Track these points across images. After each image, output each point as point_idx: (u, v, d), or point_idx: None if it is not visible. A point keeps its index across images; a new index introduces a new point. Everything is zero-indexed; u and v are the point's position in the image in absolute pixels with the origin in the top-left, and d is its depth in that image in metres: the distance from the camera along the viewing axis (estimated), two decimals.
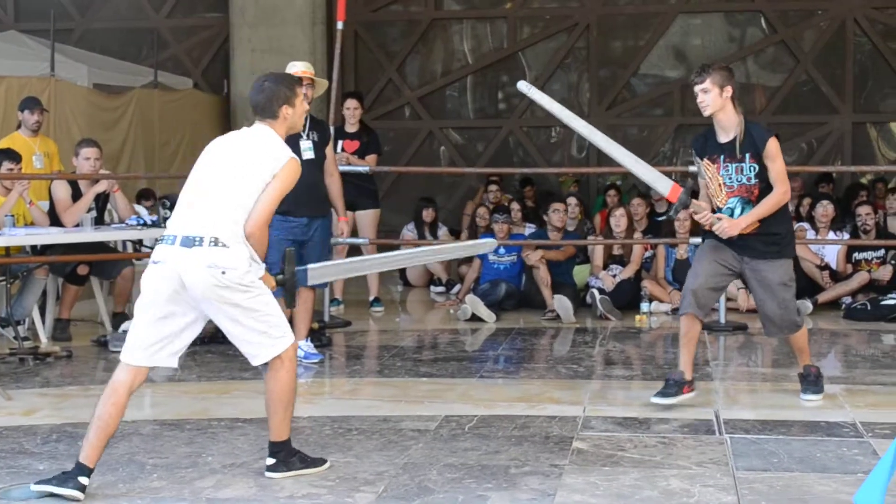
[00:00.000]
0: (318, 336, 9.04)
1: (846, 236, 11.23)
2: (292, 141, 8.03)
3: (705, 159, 6.77)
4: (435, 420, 6.68)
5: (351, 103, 11.05)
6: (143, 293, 5.26)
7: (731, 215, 6.67)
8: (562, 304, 10.15)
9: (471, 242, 6.72)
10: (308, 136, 8.30)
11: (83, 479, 5.11)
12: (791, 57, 15.90)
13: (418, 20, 16.44)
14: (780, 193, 6.65)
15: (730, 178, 6.66)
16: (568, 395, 7.38)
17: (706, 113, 6.69)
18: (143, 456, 5.90)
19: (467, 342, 9.73)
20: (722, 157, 6.69)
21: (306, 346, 8.46)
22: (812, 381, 7.08)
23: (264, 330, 5.27)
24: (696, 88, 6.69)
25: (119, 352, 8.82)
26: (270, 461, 5.47)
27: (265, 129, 5.40)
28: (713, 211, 6.73)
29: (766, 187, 6.65)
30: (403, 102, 16.50)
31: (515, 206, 12.51)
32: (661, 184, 6.68)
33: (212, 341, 9.29)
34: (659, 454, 5.81)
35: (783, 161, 6.73)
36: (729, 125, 6.71)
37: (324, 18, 15.56)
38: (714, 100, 6.62)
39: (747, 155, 6.63)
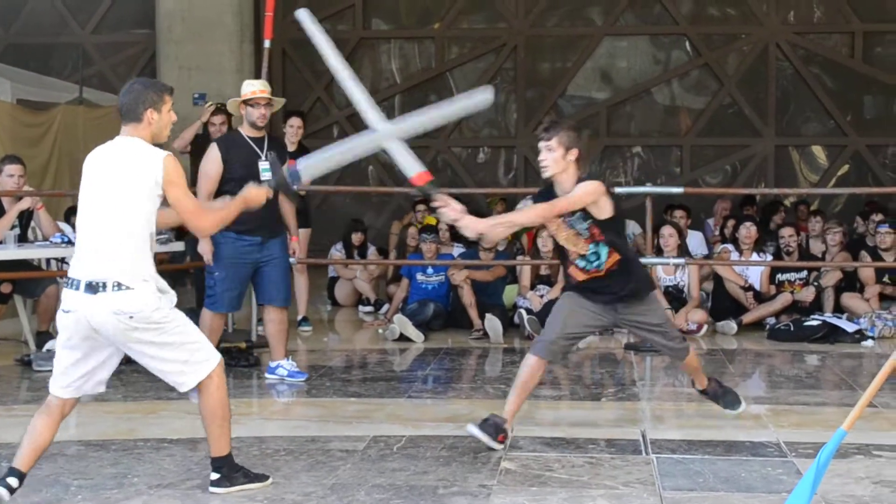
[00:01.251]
0: (246, 356, 8.98)
1: (769, 258, 11.39)
2: (250, 162, 8.04)
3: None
4: (363, 440, 6.66)
5: (295, 122, 11.00)
6: (60, 335, 5.26)
7: (599, 258, 6.44)
8: (492, 324, 10.18)
9: (466, 96, 6.35)
10: (266, 156, 8.15)
11: (12, 480, 5.15)
12: (715, 80, 16.13)
13: (346, 39, 16.45)
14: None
15: (579, 230, 6.43)
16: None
17: (545, 175, 6.40)
18: (68, 477, 5.82)
19: (395, 362, 9.74)
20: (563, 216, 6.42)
21: (289, 365, 8.40)
22: (723, 394, 7.04)
23: (185, 359, 5.27)
24: (541, 145, 6.36)
25: (43, 371, 8.81)
26: (214, 476, 5.47)
27: (131, 141, 5.24)
28: (572, 262, 6.56)
29: (602, 226, 6.41)
30: (332, 121, 16.50)
31: (444, 225, 12.52)
32: (411, 165, 6.27)
33: (134, 361, 9.21)
34: (586, 474, 5.84)
35: (578, 199, 6.32)
36: (568, 188, 6.35)
37: (252, 37, 15.53)
38: (555, 162, 6.30)
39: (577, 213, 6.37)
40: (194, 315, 9.43)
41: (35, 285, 9.73)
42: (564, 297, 6.72)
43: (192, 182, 10.59)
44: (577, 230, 6.43)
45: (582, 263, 6.49)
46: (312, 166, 6.00)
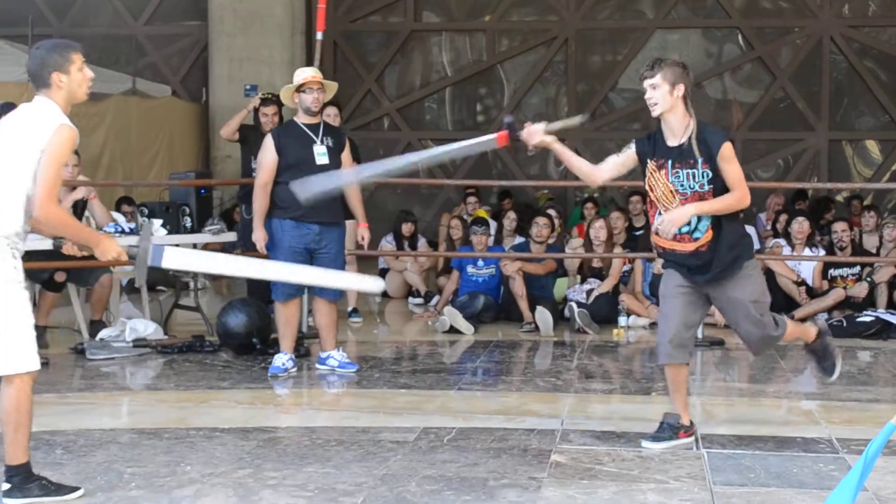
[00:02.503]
0: (297, 347, 8.99)
1: (822, 253, 11.30)
2: (306, 148, 8.06)
3: (651, 162, 6.18)
4: (413, 432, 6.67)
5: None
6: None
7: (690, 226, 6.13)
8: (542, 316, 10.17)
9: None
10: (322, 141, 8.19)
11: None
12: (768, 73, 16.02)
13: (397, 31, 16.48)
14: (738, 197, 6.07)
15: (681, 185, 6.09)
16: (546, 408, 7.39)
17: (655, 113, 6.10)
18: (121, 464, 5.87)
19: (445, 354, 9.74)
20: (670, 161, 6.09)
21: (339, 355, 8.45)
22: (823, 357, 6.86)
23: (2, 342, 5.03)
24: (645, 84, 6.10)
25: (96, 359, 8.91)
26: (6, 486, 5.11)
27: (41, 100, 5.10)
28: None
29: (721, 194, 6.09)
30: (383, 113, 16.53)
31: (511, 215, 12.59)
32: (487, 142, 6.28)
33: (189, 350, 9.30)
34: (636, 468, 5.83)
35: (739, 165, 6.13)
36: (678, 127, 6.10)
37: (303, 28, 15.59)
38: (663, 98, 6.04)
39: (699, 160, 6.04)
40: (246, 307, 9.54)
41: (88, 274, 9.81)
42: (664, 282, 6.46)
43: (243, 173, 10.72)
44: (676, 186, 6.12)
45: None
46: (176, 257, 5.81)
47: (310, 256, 8.14)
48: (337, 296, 8.45)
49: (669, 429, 6.30)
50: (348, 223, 8.78)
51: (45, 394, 7.78)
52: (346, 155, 8.37)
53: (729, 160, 6.04)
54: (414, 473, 5.70)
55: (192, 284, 11.17)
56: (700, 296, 6.33)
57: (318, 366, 8.48)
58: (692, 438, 6.32)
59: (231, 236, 10.31)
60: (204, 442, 6.44)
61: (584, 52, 16.48)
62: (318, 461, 5.95)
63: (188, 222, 9.83)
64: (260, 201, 8.22)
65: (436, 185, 15.77)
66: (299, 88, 8.16)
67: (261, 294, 10.92)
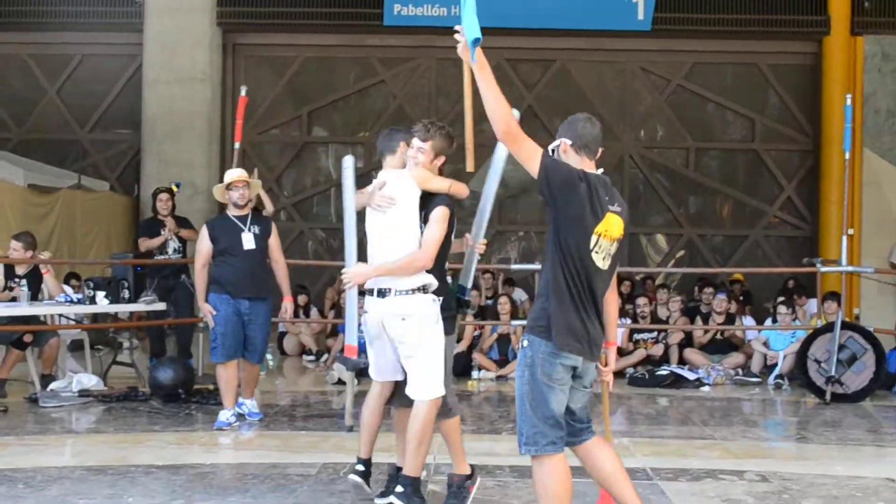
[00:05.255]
0: (214, 396, 8.69)
1: (628, 321, 11.46)
2: (236, 234, 7.82)
3: None
4: (315, 467, 6.52)
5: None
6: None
7: None
8: None
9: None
10: (249, 229, 7.91)
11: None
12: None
13: (294, 143, 16.35)
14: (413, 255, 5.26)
15: None
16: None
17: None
18: (74, 497, 5.62)
19: (335, 402, 9.55)
20: None
21: (251, 404, 8.12)
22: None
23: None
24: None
25: (48, 407, 8.50)
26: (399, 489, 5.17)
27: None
28: None
29: None
30: (280, 207, 16.30)
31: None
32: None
33: (125, 399, 8.96)
34: (497, 494, 5.79)
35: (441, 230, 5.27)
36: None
37: (219, 138, 15.39)
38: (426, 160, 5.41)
39: None
40: (173, 363, 9.26)
41: (40, 336, 9.43)
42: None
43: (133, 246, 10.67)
44: None
45: None
46: None
47: (242, 324, 7.81)
48: (259, 358, 8.13)
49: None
50: None
51: (6, 436, 7.42)
52: (273, 240, 8.07)
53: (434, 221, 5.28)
54: (319, 501, 5.55)
55: (126, 343, 10.78)
56: None
57: (236, 408, 8.00)
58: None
59: (161, 306, 9.95)
60: (142, 477, 6.18)
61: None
62: (239, 492, 5.77)
63: (126, 294, 9.49)
64: (200, 280, 7.92)
65: (321, 265, 15.52)
66: (228, 186, 7.94)
67: (184, 351, 10.66)
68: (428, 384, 5.27)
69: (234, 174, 8.04)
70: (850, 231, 15.15)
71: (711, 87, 16.01)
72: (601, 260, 4.31)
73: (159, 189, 11.17)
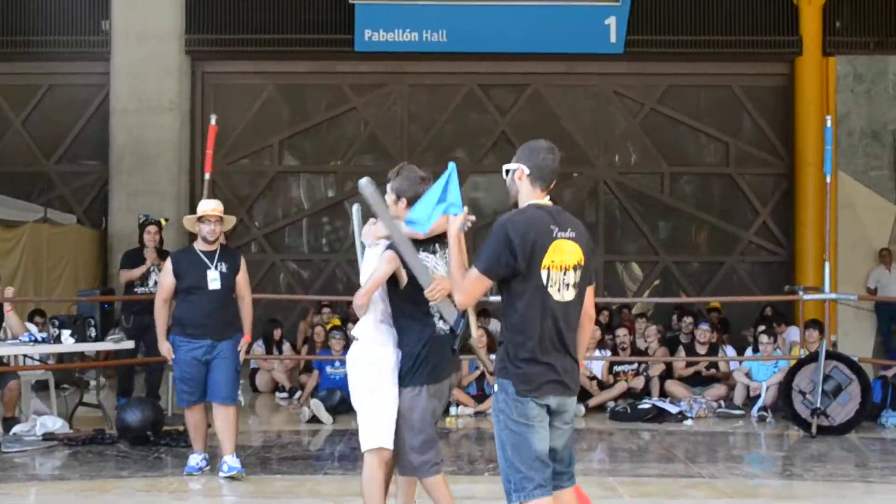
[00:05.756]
0: (185, 437, 8.33)
1: (608, 353, 11.24)
2: (201, 271, 7.30)
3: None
4: None
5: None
6: None
7: None
8: None
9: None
10: (216, 267, 7.35)
11: None
12: None
13: (265, 171, 16.08)
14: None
15: None
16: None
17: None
18: None
19: (310, 442, 9.26)
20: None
21: (231, 460, 7.24)
22: None
23: None
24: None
25: (11, 452, 8.16)
26: None
27: None
28: None
29: None
30: (251, 238, 16.03)
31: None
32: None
33: (91, 442, 8.63)
34: None
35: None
36: None
37: (188, 168, 15.13)
38: None
39: None
40: (142, 404, 8.94)
41: (1, 378, 9.10)
42: None
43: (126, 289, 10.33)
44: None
45: None
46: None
47: (205, 366, 7.29)
48: (229, 399, 7.39)
49: None
50: None
51: None
52: (241, 276, 7.48)
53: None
54: None
55: (92, 383, 10.45)
56: None
57: (220, 474, 7.24)
58: None
59: (129, 344, 9.60)
60: None
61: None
62: None
63: (93, 332, 9.16)
64: (161, 316, 7.42)
65: (293, 299, 15.25)
66: (200, 219, 7.41)
67: (153, 391, 10.33)
68: (363, 434, 5.16)
69: (209, 206, 7.45)
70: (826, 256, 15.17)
71: (685, 111, 15.92)
72: (557, 292, 4.21)
73: (148, 220, 10.83)
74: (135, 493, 6.89)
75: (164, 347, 7.37)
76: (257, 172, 16.16)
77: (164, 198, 14.64)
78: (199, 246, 7.50)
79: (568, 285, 4.22)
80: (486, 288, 4.27)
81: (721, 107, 15.94)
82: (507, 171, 4.40)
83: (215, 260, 7.42)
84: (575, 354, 4.31)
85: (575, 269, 4.24)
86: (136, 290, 10.42)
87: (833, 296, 9.88)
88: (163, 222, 10.97)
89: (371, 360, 5.11)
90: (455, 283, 4.32)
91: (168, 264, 7.51)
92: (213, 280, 7.34)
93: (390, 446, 5.11)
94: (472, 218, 5.21)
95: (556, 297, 4.20)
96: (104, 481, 7.26)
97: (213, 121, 10.14)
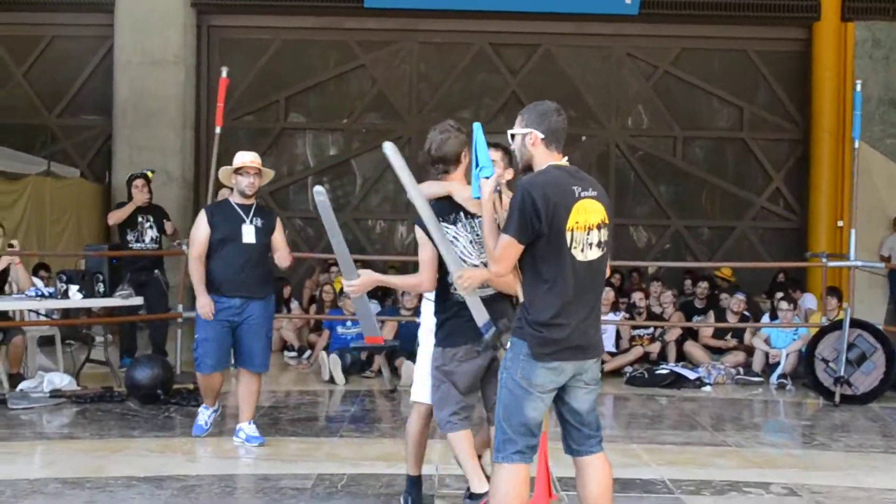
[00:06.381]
0: (195, 396, 8.11)
1: (622, 315, 11.02)
2: (236, 224, 6.87)
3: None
4: (310, 478, 6.04)
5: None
6: None
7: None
8: (408, 370, 9.45)
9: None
10: (251, 221, 6.88)
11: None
12: None
13: (271, 129, 15.77)
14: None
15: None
16: None
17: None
18: None
19: (325, 403, 9.04)
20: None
21: (249, 429, 6.98)
22: None
23: None
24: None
25: (17, 409, 7.94)
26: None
27: None
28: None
29: None
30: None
31: None
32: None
33: (100, 400, 8.41)
34: None
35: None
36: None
37: (192, 124, 14.82)
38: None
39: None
40: (151, 361, 8.69)
41: (5, 333, 8.86)
42: None
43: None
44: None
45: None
46: None
47: (232, 329, 6.86)
48: (262, 367, 6.97)
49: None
50: None
51: None
52: (277, 234, 7.02)
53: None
54: None
55: (98, 339, 10.21)
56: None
57: (234, 437, 7.02)
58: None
59: (138, 300, 9.34)
60: (123, 491, 5.68)
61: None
62: None
63: (101, 288, 8.90)
64: (197, 272, 6.83)
65: (303, 257, 14.96)
66: (237, 171, 6.91)
67: (158, 349, 10.10)
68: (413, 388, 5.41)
69: (247, 157, 6.94)
70: (840, 223, 14.94)
71: (699, 74, 15.62)
72: (581, 252, 4.10)
73: (134, 175, 10.61)
74: (147, 453, 6.67)
75: (204, 301, 6.81)
76: (262, 129, 15.86)
77: (167, 153, 14.34)
78: (234, 199, 7.02)
79: (591, 244, 4.11)
80: (519, 254, 4.08)
81: (736, 71, 15.63)
82: (513, 136, 4.27)
83: (251, 214, 6.96)
84: (598, 316, 4.20)
85: (599, 227, 4.13)
86: (130, 246, 10.19)
87: (859, 263, 9.63)
88: (150, 175, 10.70)
89: (428, 324, 5.26)
90: (488, 251, 4.19)
91: (202, 216, 7.00)
92: (248, 234, 6.87)
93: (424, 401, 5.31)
94: (507, 175, 5.10)
95: (580, 257, 4.09)
96: (114, 441, 7.04)
97: (224, 73, 9.88)
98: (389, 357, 9.88)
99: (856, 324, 9.23)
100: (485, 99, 15.74)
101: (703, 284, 11.85)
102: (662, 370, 9.97)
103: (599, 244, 4.13)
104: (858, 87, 9.74)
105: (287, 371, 10.87)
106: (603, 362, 10.20)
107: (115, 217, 10.33)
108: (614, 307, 11.01)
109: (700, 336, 10.96)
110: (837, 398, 8.94)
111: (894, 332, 10.01)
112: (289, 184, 16.02)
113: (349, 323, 10.46)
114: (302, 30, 15.50)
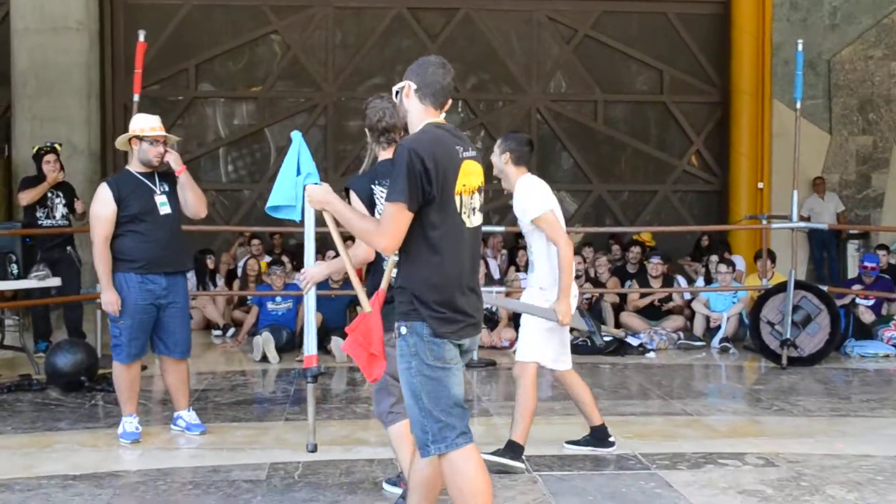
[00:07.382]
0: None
1: None
2: (148, 196, 6.17)
3: None
4: (262, 468, 5.59)
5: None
6: None
7: None
8: (337, 346, 9.08)
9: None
10: (161, 190, 6.23)
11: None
12: (489, 137, 15.47)
13: (181, 99, 15.03)
14: None
15: None
16: (371, 435, 6.40)
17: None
18: None
19: (260, 384, 8.52)
20: None
21: (188, 416, 6.44)
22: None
23: None
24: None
25: None
26: None
27: None
28: None
29: None
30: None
31: (286, 258, 11.39)
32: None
33: (18, 389, 7.76)
34: None
35: None
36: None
37: (98, 92, 13.96)
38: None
39: None
40: (73, 346, 8.05)
41: None
42: None
43: (27, 222, 9.40)
44: None
45: None
46: None
47: (157, 312, 6.21)
48: (189, 352, 6.43)
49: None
50: None
51: None
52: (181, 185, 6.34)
53: None
54: None
55: (8, 323, 9.46)
56: None
57: (171, 426, 6.51)
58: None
59: (56, 281, 8.67)
60: (59, 493, 5.15)
61: (340, 119, 15.49)
62: None
63: (14, 269, 8.22)
64: (103, 258, 6.07)
65: (214, 230, 14.28)
66: (141, 138, 6.23)
67: (75, 331, 9.44)
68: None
69: (152, 122, 6.31)
70: (761, 185, 14.90)
71: (619, 38, 15.38)
72: (468, 218, 3.73)
73: (42, 149, 9.85)
74: (80, 448, 6.10)
75: (111, 297, 6.08)
76: (171, 99, 15.10)
77: (72, 124, 13.48)
78: (135, 168, 6.30)
79: (474, 209, 3.76)
80: (408, 223, 3.61)
81: (656, 34, 15.43)
82: (397, 93, 3.83)
83: (156, 182, 6.28)
84: (479, 286, 3.83)
85: (479, 190, 3.78)
86: (41, 223, 9.48)
87: (801, 224, 9.50)
88: (58, 148, 9.98)
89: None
90: (361, 233, 3.74)
91: (105, 191, 6.20)
92: (163, 204, 6.20)
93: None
94: None
95: (468, 223, 3.73)
96: (40, 435, 6.44)
97: (141, 37, 9.20)
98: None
99: (800, 285, 9.10)
100: (403, 65, 15.22)
101: (636, 249, 11.63)
102: (606, 338, 9.68)
103: (480, 208, 3.79)
104: (800, 47, 9.55)
105: (212, 350, 10.29)
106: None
107: (29, 197, 9.52)
108: None
109: (628, 300, 10.73)
110: (784, 361, 8.81)
111: (841, 292, 9.94)
112: (200, 155, 15.32)
113: (279, 298, 9.95)
114: None
